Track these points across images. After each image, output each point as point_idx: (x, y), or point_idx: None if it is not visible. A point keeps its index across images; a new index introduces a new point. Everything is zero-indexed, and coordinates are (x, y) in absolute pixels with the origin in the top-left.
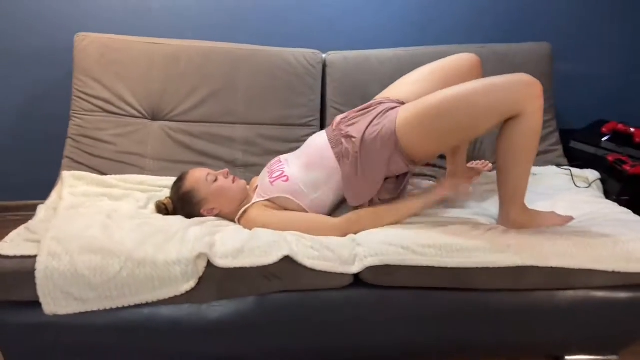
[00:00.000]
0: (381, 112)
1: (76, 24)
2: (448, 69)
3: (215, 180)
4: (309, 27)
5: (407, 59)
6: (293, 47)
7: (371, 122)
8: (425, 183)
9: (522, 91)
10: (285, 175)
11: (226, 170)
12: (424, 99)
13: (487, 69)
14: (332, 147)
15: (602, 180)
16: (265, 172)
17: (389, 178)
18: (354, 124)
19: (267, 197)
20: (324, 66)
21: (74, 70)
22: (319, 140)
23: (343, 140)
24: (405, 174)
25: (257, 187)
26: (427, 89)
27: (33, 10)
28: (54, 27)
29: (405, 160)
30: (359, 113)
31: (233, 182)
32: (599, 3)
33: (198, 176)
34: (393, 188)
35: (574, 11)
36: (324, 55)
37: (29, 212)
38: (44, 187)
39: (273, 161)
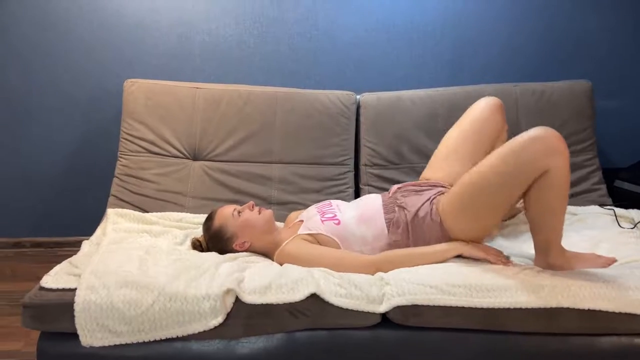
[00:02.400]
0: (434, 195)
1: (125, 70)
2: (476, 122)
3: (242, 214)
4: (344, 69)
5: (440, 98)
6: (328, 88)
7: (425, 202)
8: None
9: (539, 150)
10: (337, 219)
11: (251, 202)
12: (457, 185)
13: (523, 108)
14: (385, 213)
15: None
16: (314, 211)
17: None
18: (409, 196)
19: (314, 232)
20: (358, 107)
21: (122, 113)
22: (374, 202)
23: (397, 208)
24: None
25: (299, 221)
26: (467, 154)
27: (87, 58)
28: (105, 73)
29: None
30: (415, 188)
31: (259, 213)
32: None
33: (225, 213)
34: None
35: (616, 48)
36: (358, 97)
37: (77, 248)
38: (92, 223)
39: (323, 203)
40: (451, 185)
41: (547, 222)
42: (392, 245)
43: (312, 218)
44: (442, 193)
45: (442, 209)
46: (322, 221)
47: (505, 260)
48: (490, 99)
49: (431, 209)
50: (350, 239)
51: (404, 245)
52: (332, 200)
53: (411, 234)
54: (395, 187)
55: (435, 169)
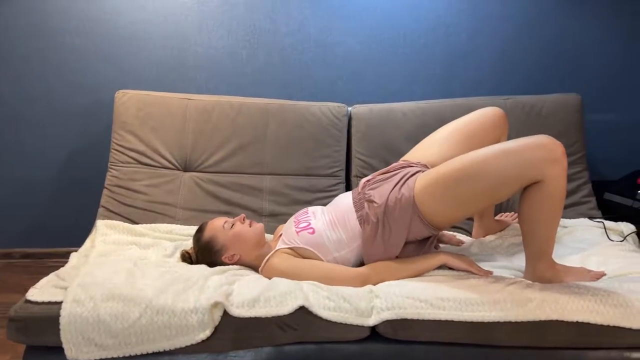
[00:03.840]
0: (404, 177)
1: (117, 81)
2: (472, 125)
3: (233, 226)
4: (336, 81)
5: (431, 111)
6: (320, 100)
7: (393, 187)
8: (456, 239)
9: (541, 156)
10: (311, 228)
11: (242, 215)
12: (443, 166)
13: (513, 121)
14: (356, 210)
15: (638, 234)
16: (291, 221)
17: (411, 242)
18: (376, 187)
19: (291, 245)
20: (350, 118)
21: (113, 124)
22: (345, 202)
23: (365, 204)
24: (429, 237)
25: (281, 235)
26: (451, 149)
27: (79, 68)
28: (97, 83)
29: (426, 225)
30: (382, 176)
31: (250, 226)
32: (631, 52)
33: (216, 225)
34: (414, 251)
35: (606, 62)
36: (349, 108)
37: (67, 259)
38: (83, 234)
39: (300, 211)
40: (425, 165)
41: (541, 232)
42: (366, 242)
43: (289, 230)
44: (412, 174)
45: (419, 186)
46: (297, 232)
47: (486, 272)
48: (495, 109)
49: (402, 194)
50: (327, 245)
51: (377, 238)
52: (309, 207)
53: (382, 225)
54: (363, 180)
55: (417, 151)
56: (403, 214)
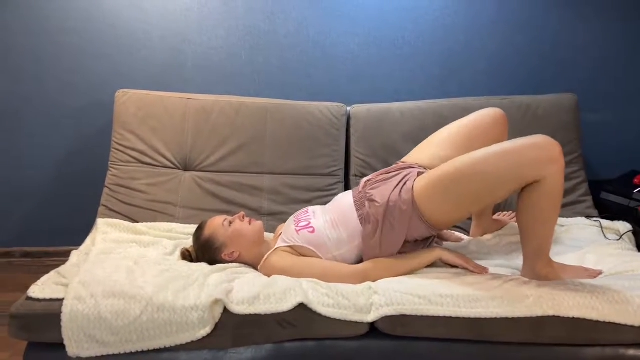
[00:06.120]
0: (404, 178)
1: (116, 81)
2: (472, 126)
3: (233, 224)
4: (335, 82)
5: (428, 111)
6: (319, 100)
7: (394, 188)
8: (455, 235)
9: (539, 156)
10: (311, 227)
11: (242, 213)
12: (442, 167)
13: (510, 121)
14: (357, 209)
15: (634, 233)
16: (291, 220)
17: (410, 242)
18: (377, 187)
19: (290, 244)
20: (348, 118)
21: (113, 124)
22: (345, 201)
23: (367, 203)
24: (428, 237)
25: (281, 234)
26: (450, 150)
27: (79, 68)
28: (97, 83)
29: (426, 225)
30: (383, 176)
31: (249, 224)
32: (625, 52)
33: (216, 223)
34: (411, 250)
35: (601, 61)
36: (348, 108)
37: (67, 258)
38: (82, 233)
39: (301, 211)
40: (425, 167)
41: (539, 231)
42: (366, 240)
43: (289, 228)
44: (412, 175)
45: (418, 187)
46: (297, 231)
47: (482, 269)
48: (495, 110)
49: (402, 195)
50: (327, 244)
51: (376, 237)
52: (309, 207)
53: (383, 224)
54: (364, 180)
55: (416, 153)
56: (403, 214)
